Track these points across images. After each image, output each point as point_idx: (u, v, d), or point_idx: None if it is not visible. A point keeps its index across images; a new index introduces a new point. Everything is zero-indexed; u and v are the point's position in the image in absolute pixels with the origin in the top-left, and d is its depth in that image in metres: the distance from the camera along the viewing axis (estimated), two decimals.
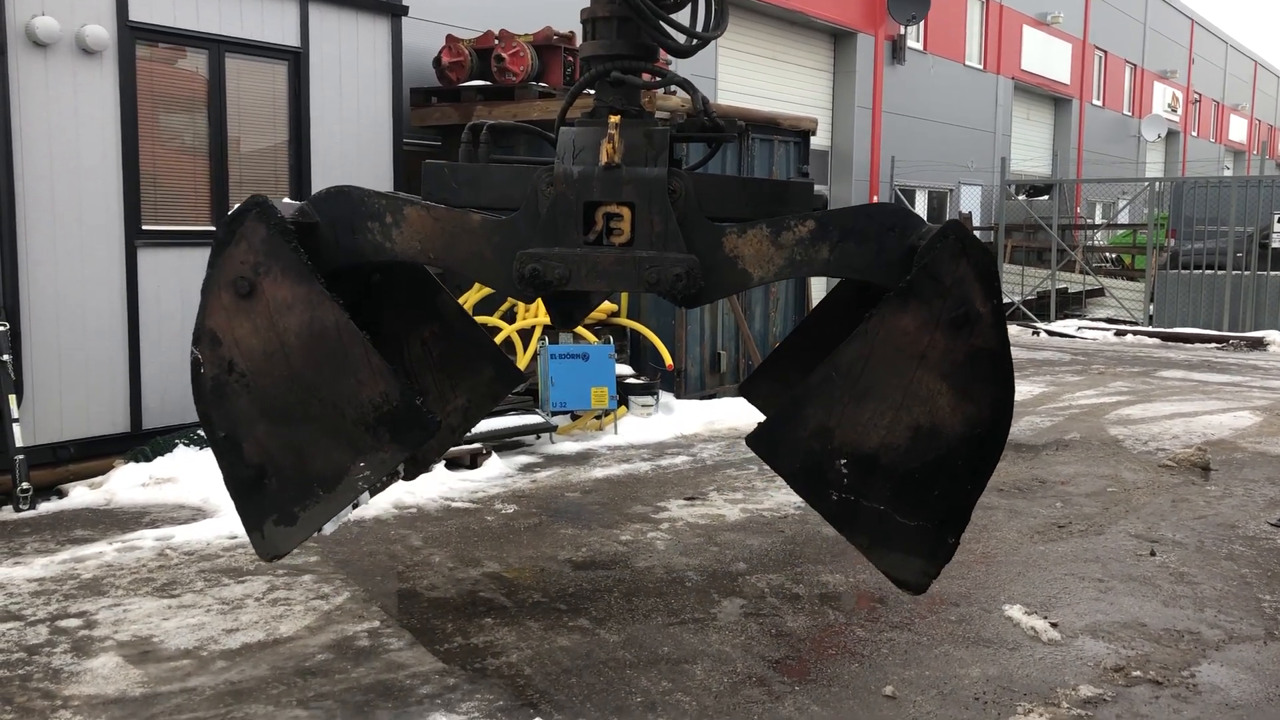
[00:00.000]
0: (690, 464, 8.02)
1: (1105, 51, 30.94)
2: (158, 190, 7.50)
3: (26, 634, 4.59)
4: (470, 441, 7.65)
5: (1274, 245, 17.93)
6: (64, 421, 7.03)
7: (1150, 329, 18.03)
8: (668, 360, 9.40)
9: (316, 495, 4.08)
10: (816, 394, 3.86)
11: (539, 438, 8.42)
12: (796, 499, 6.97)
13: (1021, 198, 22.35)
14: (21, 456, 6.50)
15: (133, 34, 7.20)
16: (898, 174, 20.25)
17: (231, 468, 4.12)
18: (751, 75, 16.71)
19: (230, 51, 7.79)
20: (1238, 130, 45.51)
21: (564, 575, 5.47)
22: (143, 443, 7.27)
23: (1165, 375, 13.47)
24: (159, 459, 7.12)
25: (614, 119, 3.95)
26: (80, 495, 6.73)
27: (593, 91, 4.33)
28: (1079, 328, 18.32)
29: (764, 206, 4.09)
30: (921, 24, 20.73)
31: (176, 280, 7.52)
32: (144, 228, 7.37)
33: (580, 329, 8.98)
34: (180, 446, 7.17)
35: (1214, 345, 16.81)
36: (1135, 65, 33.37)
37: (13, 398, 6.58)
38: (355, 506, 4.55)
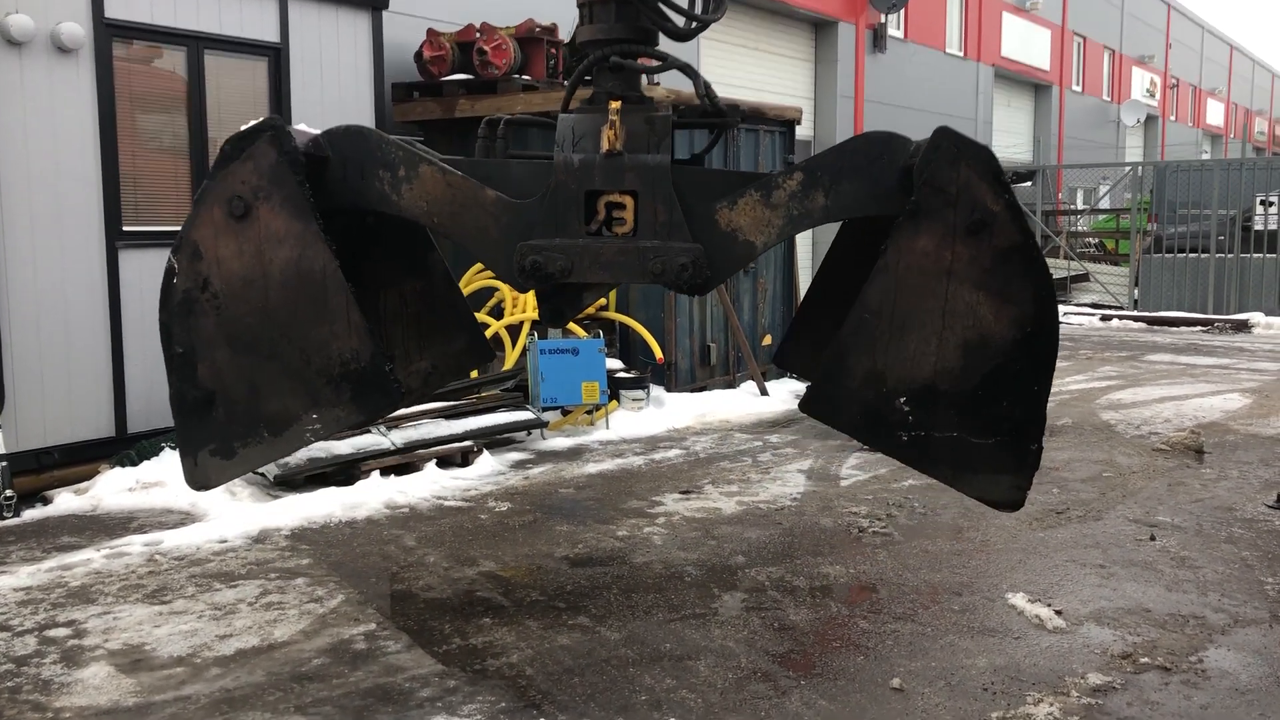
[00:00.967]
0: (684, 457, 7.95)
1: (1084, 37, 30.98)
2: (138, 190, 7.38)
3: (14, 645, 4.49)
4: (461, 439, 7.57)
5: (1256, 227, 17.99)
6: (47, 426, 6.90)
7: (1135, 313, 18.07)
8: (658, 353, 9.33)
9: (261, 435, 3.97)
10: (855, 341, 3.77)
11: (530, 434, 8.34)
12: (792, 489, 6.95)
13: None
14: (4, 463, 6.38)
15: (109, 31, 7.07)
16: None
17: (181, 386, 3.99)
18: (734, 66, 16.64)
19: (209, 48, 7.67)
20: (1215, 114, 45.68)
21: (561, 573, 5.40)
22: (128, 446, 7.15)
23: (1153, 359, 13.49)
24: (145, 463, 7.01)
25: (614, 105, 3.86)
26: (66, 501, 6.61)
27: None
28: (1065, 313, 18.34)
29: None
30: (902, 12, 20.69)
31: (159, 281, 7.36)
32: (125, 229, 7.25)
33: (570, 324, 8.89)
34: (167, 450, 7.06)
35: (1199, 328, 16.86)
36: (1114, 51, 33.44)
37: None
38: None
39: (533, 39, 9.82)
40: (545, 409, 8.37)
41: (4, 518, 6.30)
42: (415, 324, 4.81)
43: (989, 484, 3.91)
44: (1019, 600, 4.94)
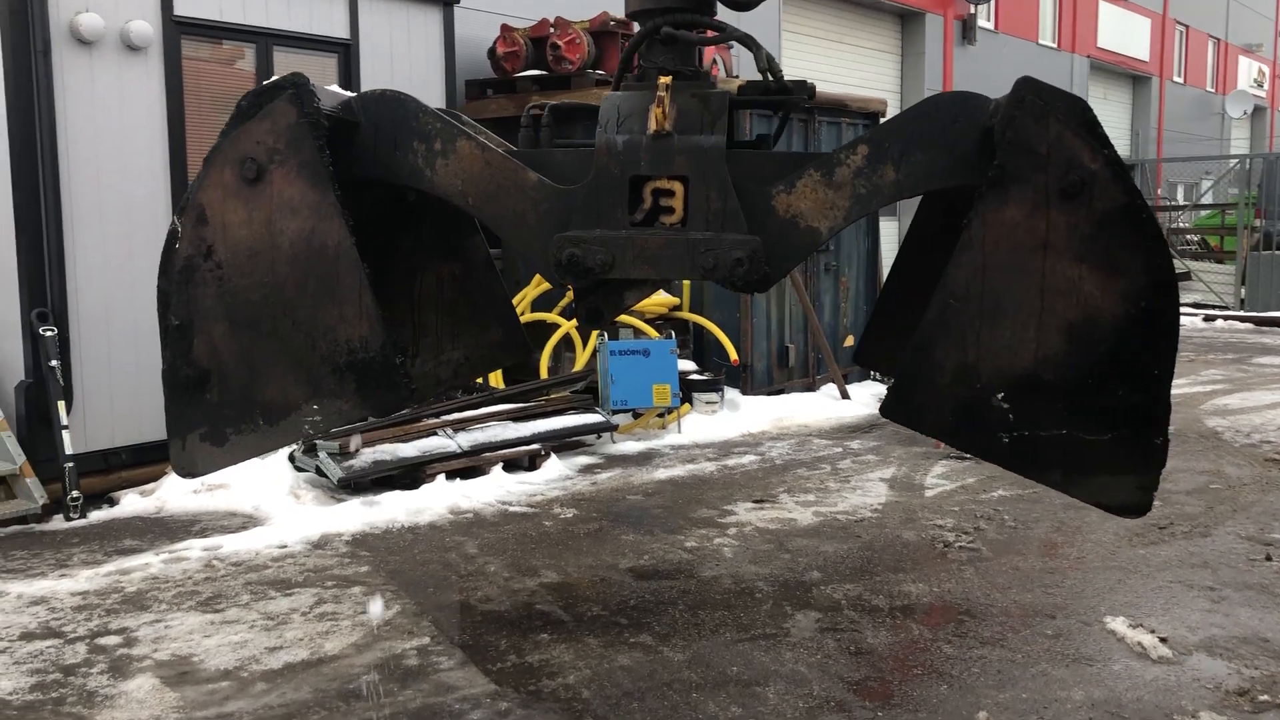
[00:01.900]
0: (758, 464, 7.64)
1: (1186, 26, 29.77)
2: None
3: (64, 653, 4.39)
4: (528, 442, 7.37)
5: None
6: (115, 427, 6.87)
7: (1242, 313, 17.21)
8: (732, 355, 9.03)
9: (255, 423, 3.66)
10: (940, 331, 3.35)
11: (599, 438, 8.10)
12: (873, 500, 6.60)
13: None
14: (71, 464, 6.36)
15: (178, 29, 7.02)
16: None
17: (174, 361, 3.67)
18: (817, 59, 16.24)
19: (278, 45, 7.59)
20: None
21: (625, 586, 5.14)
22: None
23: (1262, 362, 12.76)
24: None
25: (663, 80, 3.50)
26: (131, 503, 6.56)
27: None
28: None
29: None
30: (992, 3, 20.05)
31: None
32: None
33: (641, 324, 8.64)
34: None
35: None
36: (1219, 39, 32.08)
37: (62, 404, 6.44)
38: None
39: (607, 33, 9.60)
40: (615, 412, 8.13)
41: (70, 519, 6.27)
42: (450, 311, 4.49)
43: (1108, 487, 3.44)
44: (1119, 625, 4.54)
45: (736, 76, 11.34)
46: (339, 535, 5.89)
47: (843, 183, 3.47)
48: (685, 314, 9.26)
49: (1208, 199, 23.35)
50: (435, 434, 7.09)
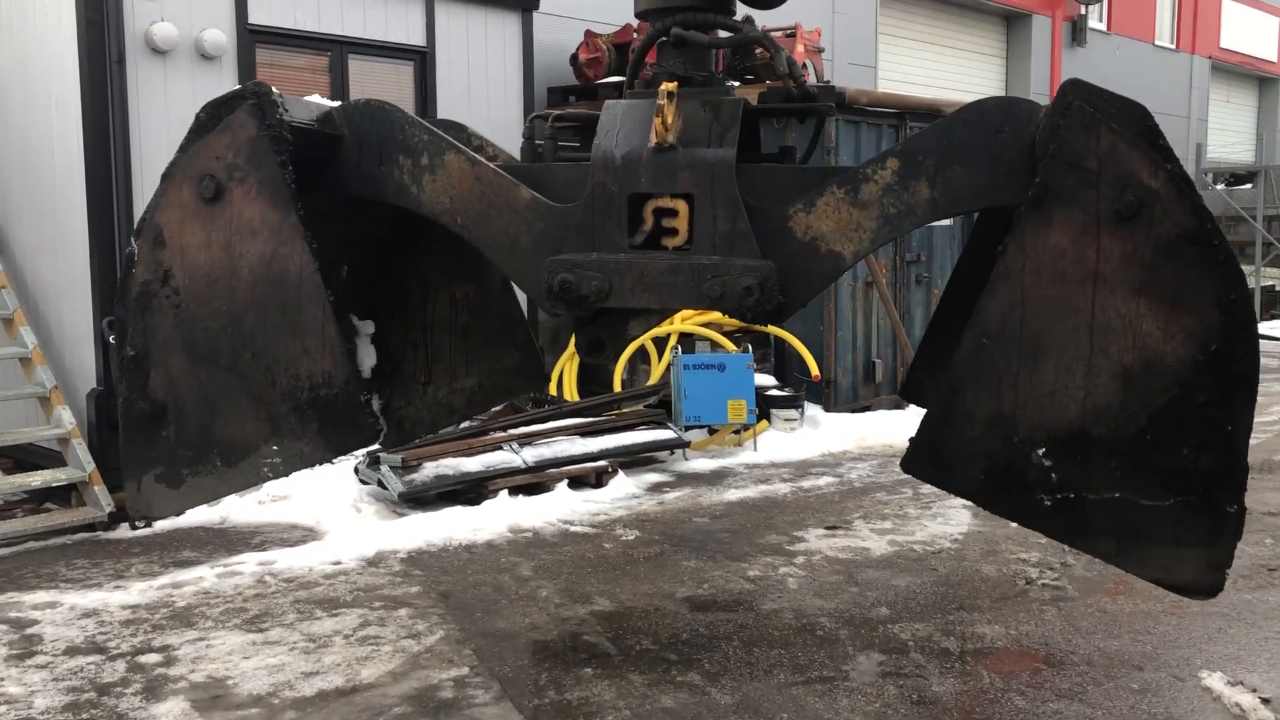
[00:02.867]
0: (835, 486, 7.31)
1: None
2: None
3: (104, 670, 4.33)
4: (595, 458, 7.17)
5: None
6: None
7: None
8: (813, 370, 8.69)
9: (213, 464, 3.41)
10: (972, 374, 2.95)
11: (671, 454, 7.86)
12: (954, 529, 6.22)
13: (1220, 187, 20.47)
14: None
15: (252, 38, 7.03)
16: None
17: (130, 395, 3.43)
18: (915, 62, 15.76)
19: (353, 53, 7.56)
20: None
21: (679, 617, 4.90)
22: None
23: None
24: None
25: (666, 87, 3.17)
26: (195, 512, 6.51)
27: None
28: None
29: None
30: (1105, 2, 19.23)
31: None
32: None
33: (717, 336, 8.38)
34: None
35: None
36: None
37: None
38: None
39: None
40: (688, 428, 7.89)
41: (135, 527, 6.29)
42: (465, 335, 4.25)
43: (1170, 562, 2.99)
44: (1215, 682, 4.13)
45: (828, 82, 11.00)
46: (394, 553, 5.77)
47: (870, 201, 3.12)
48: (766, 326, 8.96)
49: None
50: (500, 448, 6.95)
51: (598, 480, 7.07)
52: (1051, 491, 2.93)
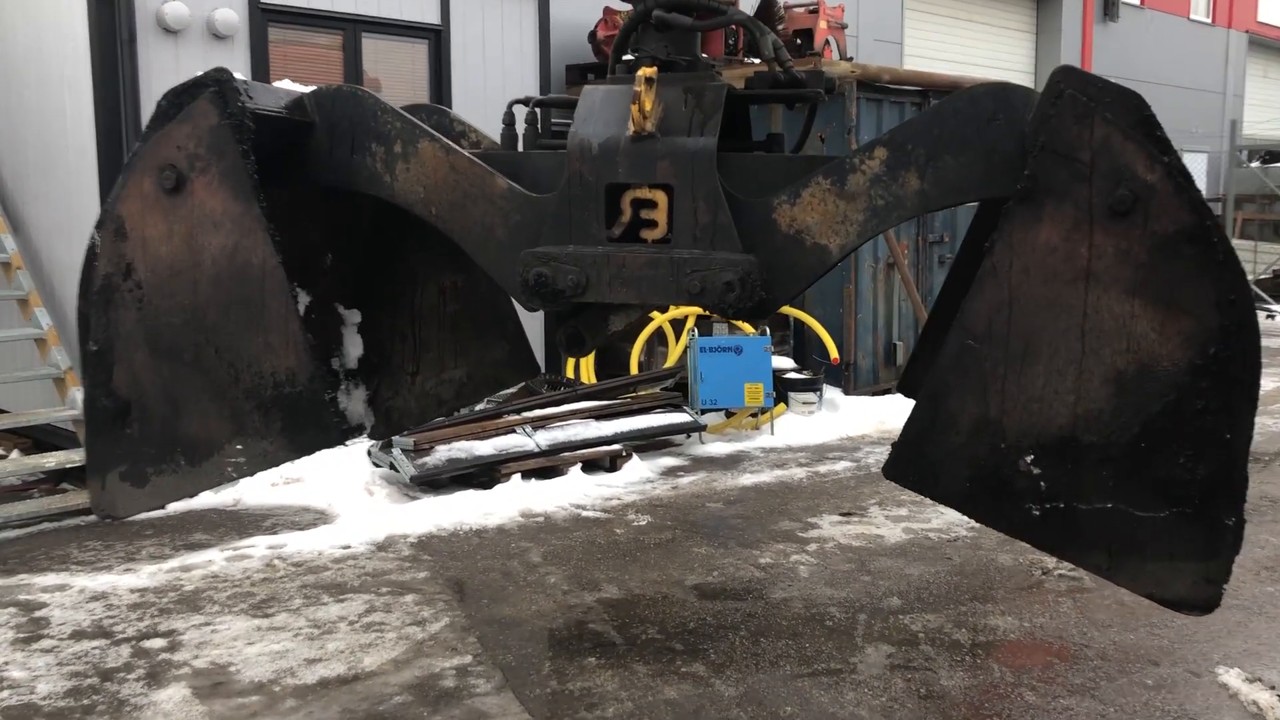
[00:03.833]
0: (852, 471, 7.22)
1: None
2: None
3: (108, 655, 4.33)
4: (610, 442, 7.12)
5: None
6: None
7: None
8: (833, 352, 8.58)
9: (176, 463, 3.34)
10: (956, 377, 2.82)
11: (687, 438, 7.79)
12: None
13: (1255, 164, 20.08)
14: None
15: (264, 16, 6.97)
16: None
17: (94, 392, 3.37)
18: (943, 38, 15.51)
19: (367, 31, 7.49)
20: None
21: (687, 605, 4.85)
22: None
23: None
24: None
25: (644, 72, 3.06)
26: (209, 495, 6.53)
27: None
28: None
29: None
30: None
31: None
32: None
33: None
34: None
35: None
36: None
37: None
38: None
39: None
40: (704, 411, 7.81)
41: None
42: (454, 326, 4.16)
43: (1165, 576, 2.83)
44: (1232, 678, 4.04)
45: (850, 59, 10.83)
46: (404, 537, 5.75)
47: (857, 192, 2.98)
48: (785, 308, 8.85)
49: None
50: (514, 431, 6.91)
51: (611, 464, 7.01)
52: (1040, 501, 2.81)
